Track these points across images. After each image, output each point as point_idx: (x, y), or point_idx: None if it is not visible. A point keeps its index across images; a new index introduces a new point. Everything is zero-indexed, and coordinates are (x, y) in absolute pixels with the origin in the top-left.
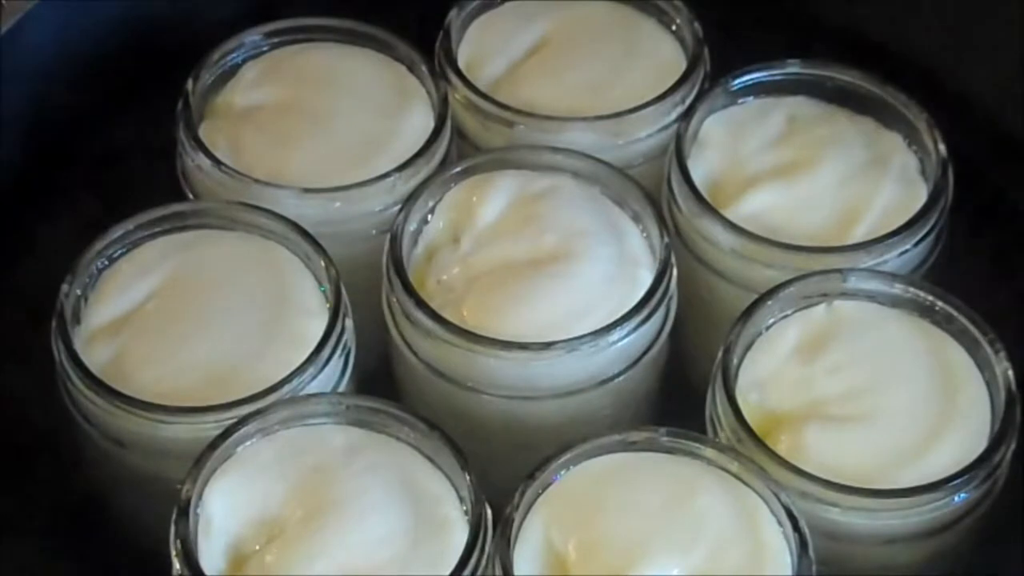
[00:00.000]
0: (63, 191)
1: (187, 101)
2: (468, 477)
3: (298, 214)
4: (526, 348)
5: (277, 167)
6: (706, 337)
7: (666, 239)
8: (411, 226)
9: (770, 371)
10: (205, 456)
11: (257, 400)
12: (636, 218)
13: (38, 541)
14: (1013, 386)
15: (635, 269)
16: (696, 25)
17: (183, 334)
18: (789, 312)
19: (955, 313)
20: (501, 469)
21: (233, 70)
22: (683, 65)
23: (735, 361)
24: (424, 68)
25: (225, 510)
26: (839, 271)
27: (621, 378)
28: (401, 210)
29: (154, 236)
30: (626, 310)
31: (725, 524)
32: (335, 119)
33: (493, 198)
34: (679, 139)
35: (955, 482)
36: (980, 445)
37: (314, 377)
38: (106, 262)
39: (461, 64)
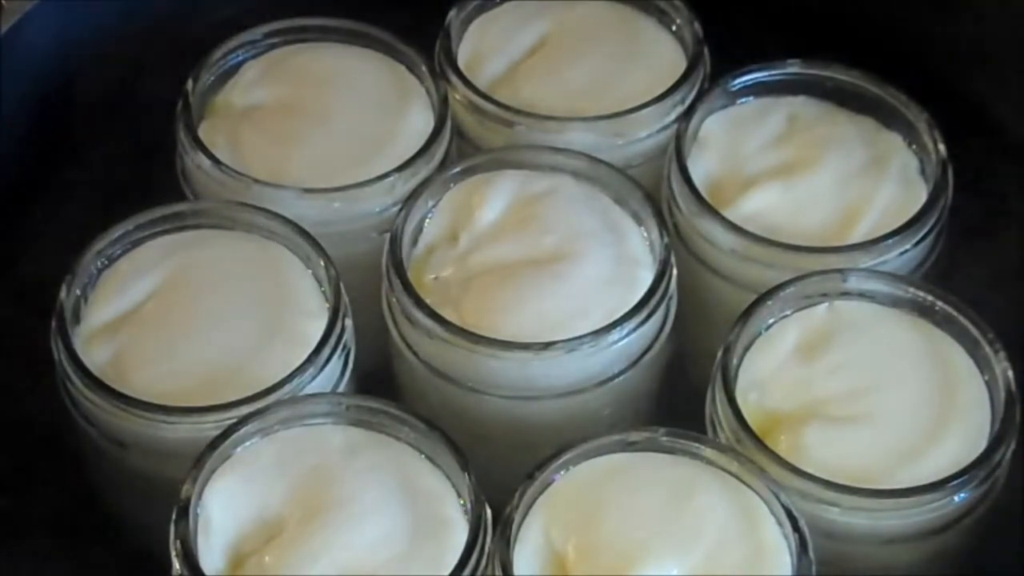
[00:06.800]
0: (63, 191)
1: (187, 101)
2: (468, 477)
3: (298, 214)
4: (526, 348)
5: (277, 167)
6: (706, 337)
7: (666, 239)
8: (411, 226)
9: (770, 371)
10: (205, 456)
11: (257, 400)
12: (636, 218)
13: (38, 541)
14: (1013, 386)
15: (635, 269)
16: (696, 25)
17: (183, 334)
18: (789, 312)
19: (955, 313)
20: (501, 469)
21: (233, 70)
22: (683, 65)
23: (735, 361)
24: (424, 68)
25: (225, 510)
26: (839, 271)
27: (621, 378)
28: (401, 210)
29: (154, 236)
30: (626, 310)
31: (725, 524)
32: (335, 119)
33: (493, 198)
34: (679, 139)
35: (955, 482)
36: (980, 445)
37: (314, 377)
38: (106, 262)
39: (461, 64)
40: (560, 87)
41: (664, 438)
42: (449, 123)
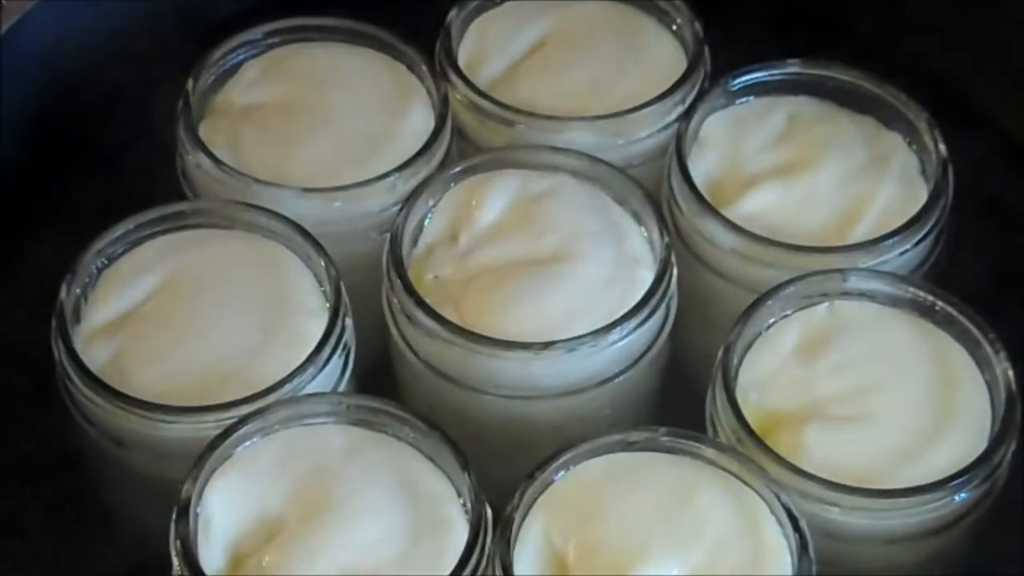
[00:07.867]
0: (63, 191)
1: (187, 100)
2: (468, 477)
3: (298, 214)
4: (526, 348)
5: (277, 166)
6: (706, 337)
7: (666, 239)
8: (411, 226)
9: (770, 371)
10: (205, 456)
11: (257, 400)
12: (636, 218)
13: (38, 541)
14: (1013, 386)
15: (635, 269)
16: (696, 25)
17: (183, 334)
18: (789, 312)
19: (955, 313)
20: (501, 469)
21: (233, 69)
22: (683, 65)
23: (735, 361)
24: (424, 68)
25: (225, 510)
26: (839, 271)
27: (621, 378)
28: (401, 210)
29: (154, 236)
30: (626, 310)
31: (725, 524)
32: (335, 119)
33: (493, 198)
34: (679, 139)
35: (955, 482)
36: (980, 445)
37: (314, 377)
38: (106, 262)
39: (461, 64)
40: (560, 87)
41: (664, 438)
42: (449, 123)
